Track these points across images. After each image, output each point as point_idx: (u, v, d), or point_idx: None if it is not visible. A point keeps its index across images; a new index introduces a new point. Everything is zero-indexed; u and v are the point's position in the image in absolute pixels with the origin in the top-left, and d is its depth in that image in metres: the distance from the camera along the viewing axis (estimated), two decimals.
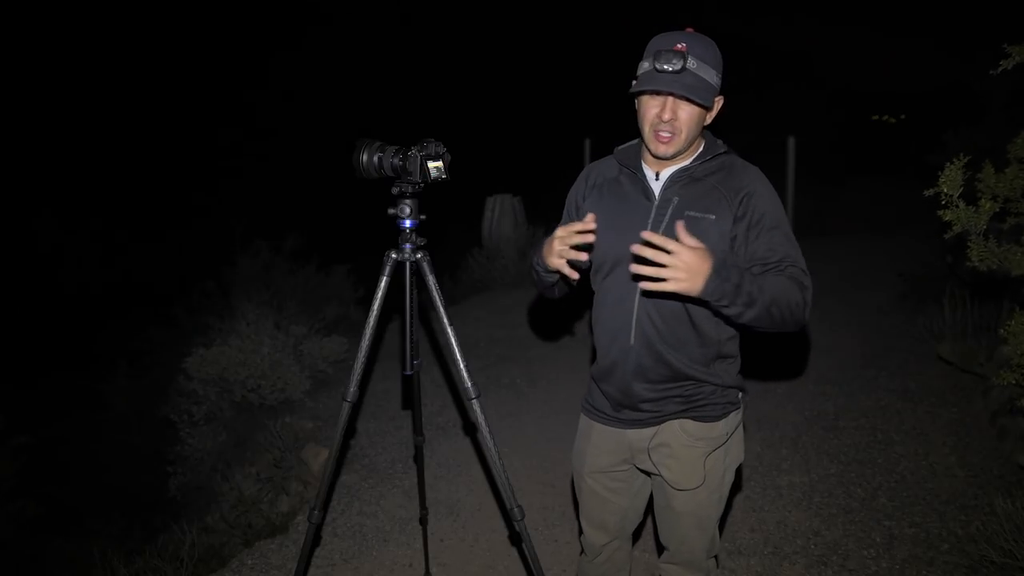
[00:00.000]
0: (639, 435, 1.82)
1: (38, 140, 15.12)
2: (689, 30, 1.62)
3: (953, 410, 3.78)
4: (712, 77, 1.59)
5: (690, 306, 1.68)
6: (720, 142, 1.74)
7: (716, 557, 1.97)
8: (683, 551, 1.89)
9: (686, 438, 1.77)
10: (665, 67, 1.55)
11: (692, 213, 1.66)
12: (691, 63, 1.56)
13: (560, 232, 1.62)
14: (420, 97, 19.26)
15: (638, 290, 1.70)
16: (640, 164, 1.75)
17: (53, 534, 5.05)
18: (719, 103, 1.67)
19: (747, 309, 1.50)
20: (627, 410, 1.80)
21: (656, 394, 1.76)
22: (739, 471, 1.96)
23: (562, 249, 1.60)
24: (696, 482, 1.78)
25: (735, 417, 1.82)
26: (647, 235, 1.46)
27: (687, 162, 1.71)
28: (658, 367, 1.73)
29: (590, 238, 1.60)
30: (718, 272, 1.44)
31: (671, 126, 1.62)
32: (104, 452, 6.09)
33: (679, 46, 1.57)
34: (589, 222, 1.58)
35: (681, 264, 1.42)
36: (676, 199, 1.69)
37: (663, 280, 1.43)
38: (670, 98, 1.60)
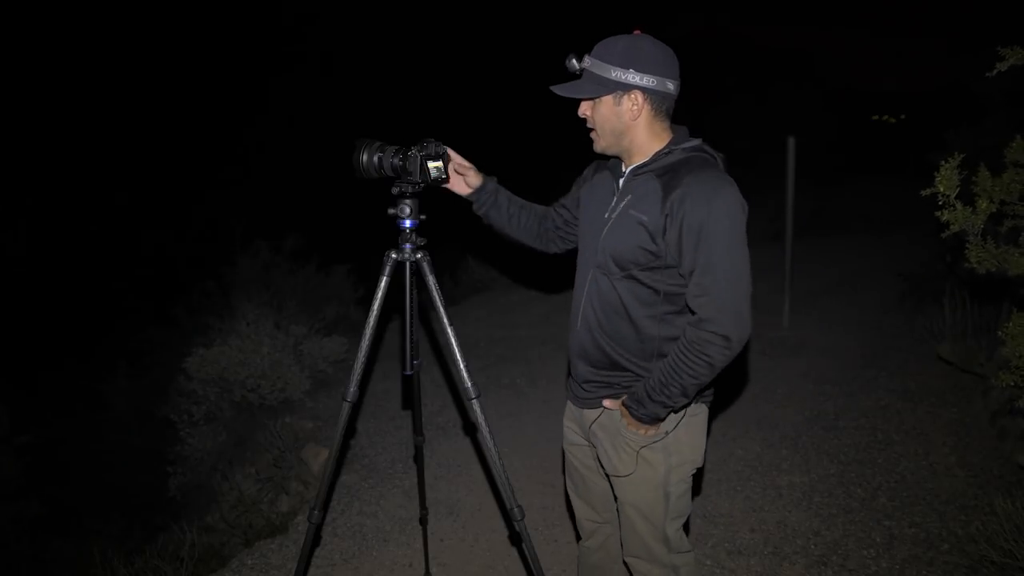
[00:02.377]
0: (586, 415, 1.89)
1: (40, 141, 15.11)
2: (636, 32, 1.68)
3: (953, 410, 3.78)
4: (607, 72, 1.65)
5: (628, 302, 1.72)
6: (692, 143, 1.69)
7: (688, 552, 1.91)
8: (635, 543, 1.87)
9: (617, 426, 1.80)
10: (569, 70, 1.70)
11: (632, 211, 1.70)
12: (586, 62, 1.68)
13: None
14: (420, 97, 19.25)
15: (588, 278, 1.81)
16: (619, 161, 1.83)
17: (53, 534, 5.05)
18: (633, 98, 1.65)
19: (678, 398, 1.66)
20: (579, 387, 1.89)
21: (597, 378, 1.82)
22: (700, 475, 1.94)
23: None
24: (626, 470, 1.79)
25: (678, 416, 1.77)
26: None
27: (645, 159, 1.73)
28: (597, 353, 1.80)
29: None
30: (639, 413, 1.71)
31: (590, 122, 1.74)
32: (104, 452, 6.09)
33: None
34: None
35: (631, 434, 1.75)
36: (629, 197, 1.73)
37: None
38: (582, 99, 1.72)
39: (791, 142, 5.24)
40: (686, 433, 1.80)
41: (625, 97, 1.66)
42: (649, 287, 1.70)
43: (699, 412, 1.82)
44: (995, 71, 2.58)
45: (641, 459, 1.79)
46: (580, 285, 1.85)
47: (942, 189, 2.51)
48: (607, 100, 1.68)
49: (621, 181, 1.78)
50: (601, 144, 1.75)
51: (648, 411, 1.69)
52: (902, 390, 4.07)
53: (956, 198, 2.53)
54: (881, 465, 3.35)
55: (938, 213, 2.57)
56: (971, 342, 4.16)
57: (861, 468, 3.34)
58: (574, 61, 1.68)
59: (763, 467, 3.39)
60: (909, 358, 4.49)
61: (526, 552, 2.10)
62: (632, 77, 1.63)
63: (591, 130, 1.76)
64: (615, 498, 1.93)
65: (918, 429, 3.64)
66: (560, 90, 1.70)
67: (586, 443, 1.97)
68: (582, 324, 1.82)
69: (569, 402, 2.00)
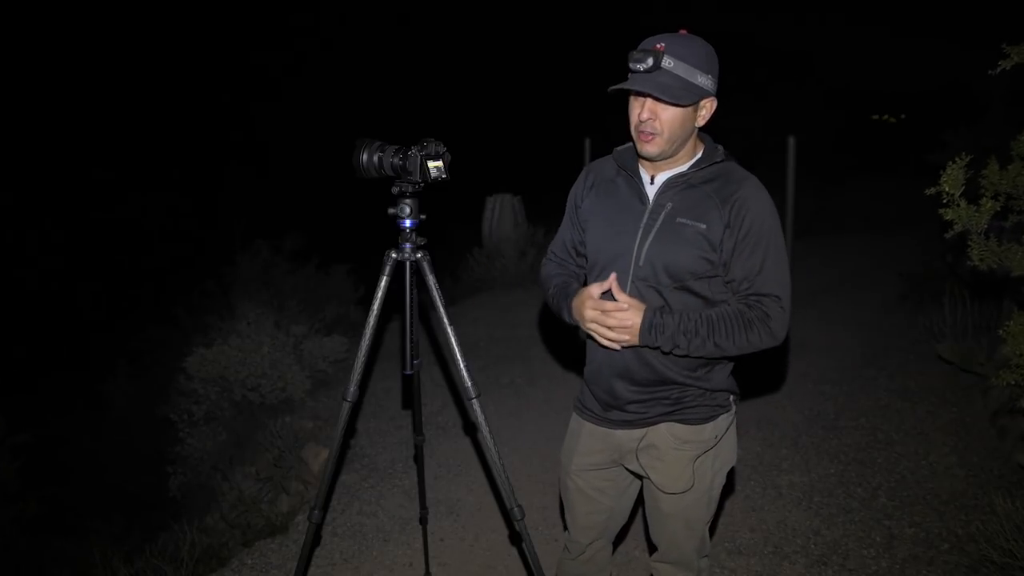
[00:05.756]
0: (628, 436, 1.82)
1: (41, 136, 15.11)
2: (683, 32, 1.61)
3: (953, 410, 3.78)
4: (694, 77, 1.57)
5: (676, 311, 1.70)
6: (720, 148, 1.73)
7: (708, 556, 1.97)
8: (672, 551, 1.89)
9: (674, 441, 1.77)
10: (637, 67, 1.56)
11: (683, 220, 1.66)
12: (667, 62, 1.54)
13: (590, 313, 1.70)
14: (420, 97, 19.25)
15: (626, 291, 1.71)
16: (636, 167, 1.75)
17: (53, 534, 5.05)
18: (709, 105, 1.64)
19: (688, 350, 1.64)
20: (615, 411, 1.81)
21: (642, 396, 1.76)
22: (732, 473, 1.95)
23: (594, 322, 1.70)
24: (684, 486, 1.77)
25: (724, 420, 1.81)
26: (596, 291, 1.69)
27: (684, 167, 1.70)
28: (643, 370, 1.74)
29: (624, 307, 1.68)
30: (649, 329, 1.63)
31: (651, 126, 1.61)
32: (104, 452, 6.08)
33: (658, 46, 1.56)
34: (609, 283, 1.69)
35: (616, 322, 1.65)
36: (669, 205, 1.69)
37: (610, 335, 1.68)
38: (648, 99, 1.59)
39: (791, 141, 5.26)
40: (727, 436, 1.83)
41: (704, 103, 1.63)
42: (701, 296, 1.69)
43: (735, 412, 1.85)
44: (999, 68, 2.57)
45: (696, 470, 1.78)
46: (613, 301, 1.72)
47: (947, 188, 2.51)
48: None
49: (652, 189, 1.72)
50: (657, 148, 1.63)
51: (659, 339, 1.63)
52: (902, 390, 4.07)
53: (960, 196, 2.53)
54: (881, 465, 3.35)
55: (941, 211, 2.57)
56: (971, 342, 4.16)
57: (861, 468, 3.34)
58: (651, 60, 1.54)
59: (763, 467, 3.39)
60: (909, 358, 4.49)
61: (526, 552, 2.10)
62: (710, 84, 1.60)
63: (646, 132, 1.62)
64: (656, 514, 1.87)
65: (918, 429, 3.64)
66: (661, 93, 1.54)
67: (611, 466, 1.89)
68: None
69: (589, 427, 1.88)
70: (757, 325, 1.63)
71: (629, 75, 1.59)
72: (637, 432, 1.81)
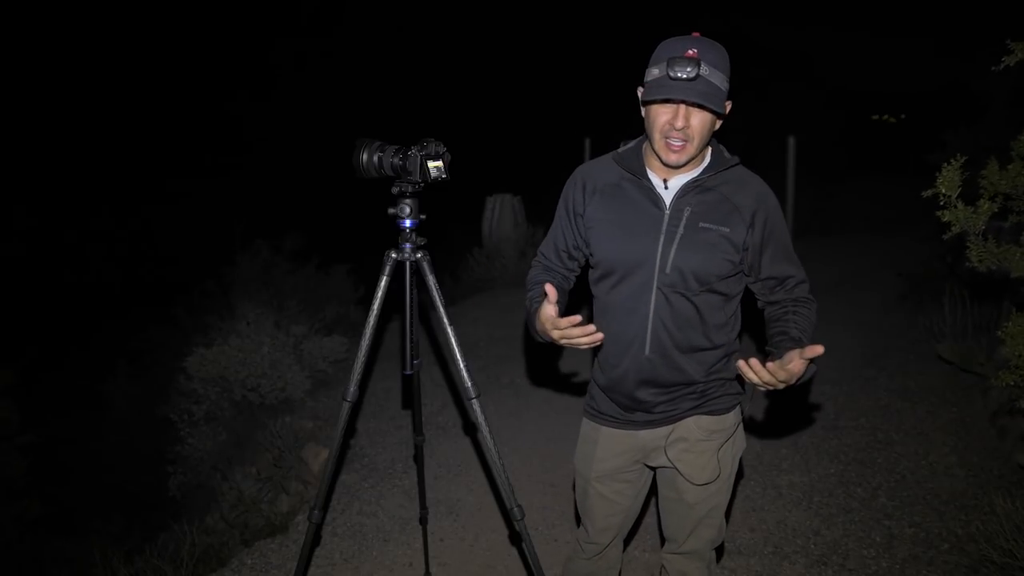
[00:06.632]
0: (653, 435, 1.83)
1: (39, 136, 15.12)
2: (696, 35, 1.59)
3: (953, 410, 3.78)
4: (723, 83, 1.57)
5: (705, 313, 1.72)
6: (724, 150, 1.74)
7: (718, 548, 1.98)
8: (691, 542, 1.90)
9: (701, 432, 1.80)
10: (679, 75, 1.52)
11: (706, 224, 1.67)
12: (704, 70, 1.53)
13: (557, 333, 1.60)
14: (420, 97, 19.25)
15: (652, 300, 1.70)
16: (645, 170, 1.72)
17: (53, 534, 5.06)
18: (727, 108, 1.64)
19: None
20: (639, 412, 1.81)
21: (668, 396, 1.78)
22: (740, 459, 1.98)
23: (565, 339, 1.61)
24: (711, 475, 1.80)
25: (739, 408, 1.87)
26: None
27: (697, 172, 1.70)
28: (673, 375, 1.75)
29: (598, 337, 1.57)
30: (806, 368, 1.55)
31: (684, 133, 1.59)
32: (104, 452, 6.09)
33: (691, 52, 1.54)
34: (589, 329, 1.57)
35: (790, 376, 1.54)
36: (688, 210, 1.68)
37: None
38: (682, 105, 1.57)
39: (791, 141, 5.27)
40: (740, 423, 1.89)
41: (725, 107, 1.62)
42: (723, 294, 1.73)
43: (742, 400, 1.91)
44: (1002, 65, 2.56)
45: (721, 459, 1.82)
46: (636, 310, 1.72)
47: (943, 190, 2.51)
48: None
49: (667, 193, 1.70)
50: (687, 155, 1.62)
51: (808, 371, 1.58)
52: (902, 390, 4.07)
53: (957, 198, 2.53)
54: (881, 465, 3.35)
55: (939, 213, 2.57)
56: (971, 342, 4.16)
57: (861, 468, 3.34)
58: (694, 69, 1.52)
59: (763, 467, 3.39)
60: (909, 358, 4.49)
61: (526, 552, 2.10)
62: (728, 87, 1.60)
63: (678, 140, 1.60)
64: (678, 506, 1.88)
65: (918, 429, 3.64)
66: (706, 102, 1.53)
67: (632, 467, 1.89)
68: (653, 350, 1.72)
69: (607, 431, 1.87)
70: (813, 305, 1.76)
71: (665, 82, 1.55)
72: (663, 430, 1.82)
